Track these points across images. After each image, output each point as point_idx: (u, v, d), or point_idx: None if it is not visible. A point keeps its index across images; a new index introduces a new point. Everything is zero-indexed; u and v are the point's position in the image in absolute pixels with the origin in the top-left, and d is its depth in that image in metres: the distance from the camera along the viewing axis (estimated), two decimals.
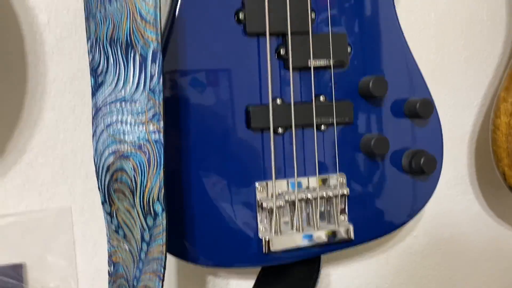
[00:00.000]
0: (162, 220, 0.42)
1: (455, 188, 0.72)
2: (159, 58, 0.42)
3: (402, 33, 0.56)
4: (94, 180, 0.48)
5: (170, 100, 0.47)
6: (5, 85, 0.54)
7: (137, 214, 0.44)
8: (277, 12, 0.49)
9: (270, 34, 0.48)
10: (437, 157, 0.55)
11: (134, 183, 0.43)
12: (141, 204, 0.43)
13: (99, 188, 0.47)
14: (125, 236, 0.46)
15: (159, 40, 0.41)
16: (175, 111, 0.47)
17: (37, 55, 0.55)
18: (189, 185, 0.47)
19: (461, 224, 0.73)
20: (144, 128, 0.43)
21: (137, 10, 0.42)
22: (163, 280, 0.43)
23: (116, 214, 0.46)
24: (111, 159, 0.45)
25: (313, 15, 0.51)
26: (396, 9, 0.56)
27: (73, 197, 0.55)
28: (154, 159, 0.42)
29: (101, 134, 0.46)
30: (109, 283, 0.49)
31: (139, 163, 0.43)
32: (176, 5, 0.47)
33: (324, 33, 0.51)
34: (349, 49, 0.53)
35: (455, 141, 0.71)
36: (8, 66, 0.54)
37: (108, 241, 0.48)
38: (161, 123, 0.42)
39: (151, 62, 0.42)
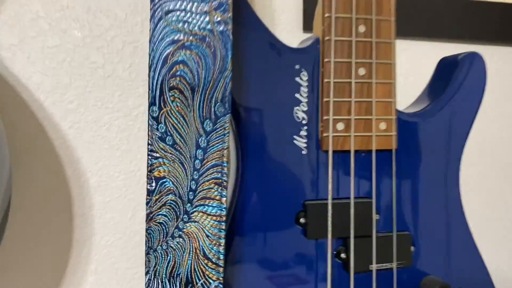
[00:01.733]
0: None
1: None
2: None
3: (469, 230, 0.57)
4: None
5: None
6: (51, 247, 0.61)
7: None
8: (340, 218, 0.50)
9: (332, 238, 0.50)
10: None
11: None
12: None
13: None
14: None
15: (221, 279, 0.41)
16: None
17: (84, 217, 0.61)
18: None
19: None
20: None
21: (201, 249, 0.41)
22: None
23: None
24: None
25: (377, 217, 0.53)
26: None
27: None
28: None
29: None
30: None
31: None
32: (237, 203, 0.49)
33: (387, 233, 0.53)
34: (412, 249, 0.54)
35: None
36: (56, 227, 0.61)
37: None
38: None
39: None
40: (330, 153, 0.51)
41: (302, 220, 0.51)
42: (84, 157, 0.63)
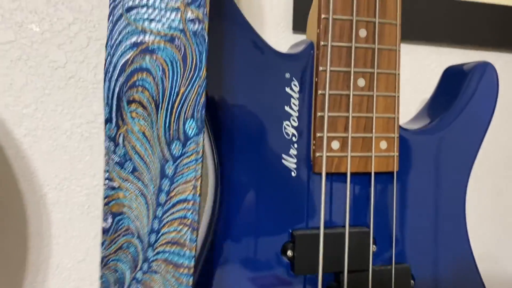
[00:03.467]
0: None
1: None
2: None
3: (475, 262, 0.52)
4: None
5: None
6: (2, 270, 0.54)
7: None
8: (333, 250, 0.45)
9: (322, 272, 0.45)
10: None
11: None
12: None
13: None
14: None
15: None
16: None
17: (41, 237, 0.56)
18: None
19: None
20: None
21: None
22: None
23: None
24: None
25: (374, 248, 0.47)
26: None
27: None
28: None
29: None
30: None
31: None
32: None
33: (384, 266, 0.48)
34: (412, 283, 0.49)
35: None
36: (8, 248, 0.54)
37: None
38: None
39: None
40: (323, 175, 0.45)
41: (289, 253, 0.45)
42: (41, 169, 0.56)
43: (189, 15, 0.34)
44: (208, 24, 0.37)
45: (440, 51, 0.71)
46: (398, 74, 0.48)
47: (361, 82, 0.47)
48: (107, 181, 0.35)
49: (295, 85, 0.46)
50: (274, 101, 0.45)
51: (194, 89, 0.34)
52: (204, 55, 0.35)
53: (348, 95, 0.46)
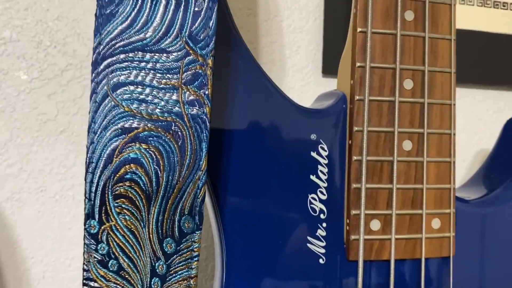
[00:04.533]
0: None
1: None
2: None
3: None
4: None
5: None
6: None
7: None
8: None
9: None
10: None
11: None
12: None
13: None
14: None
15: None
16: None
17: None
18: None
19: None
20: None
21: None
22: None
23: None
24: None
25: None
26: None
27: None
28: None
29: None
30: None
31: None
32: None
33: None
34: None
35: None
36: None
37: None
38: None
39: None
40: (360, 264, 0.36)
41: None
42: (25, 238, 0.48)
43: (188, 95, 0.28)
44: (217, 81, 0.31)
45: (499, 95, 0.61)
46: (454, 134, 0.39)
47: (407, 145, 0.38)
48: (86, 281, 0.31)
49: (323, 148, 0.37)
50: (296, 169, 0.37)
51: (193, 182, 0.30)
52: (204, 143, 0.30)
53: (391, 162, 0.37)
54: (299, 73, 0.55)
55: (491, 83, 0.60)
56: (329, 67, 0.55)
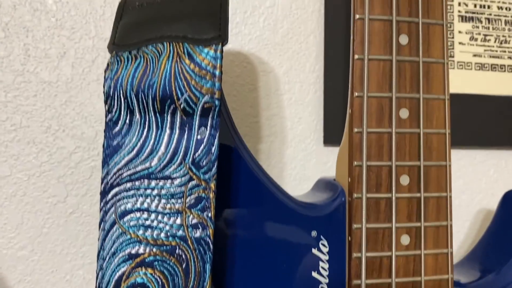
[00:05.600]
0: None
1: None
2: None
3: None
4: None
5: None
6: None
7: None
8: None
9: None
10: None
11: None
12: None
13: None
14: None
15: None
16: None
17: None
18: None
19: None
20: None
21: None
22: None
23: None
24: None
25: None
26: None
27: None
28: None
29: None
30: None
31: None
32: None
33: None
34: None
35: None
36: None
37: None
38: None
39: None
40: None
41: None
42: None
43: (192, 219, 0.30)
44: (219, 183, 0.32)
45: (499, 155, 0.62)
46: (451, 225, 0.40)
47: (405, 240, 0.39)
48: None
49: (323, 245, 0.39)
50: (299, 268, 0.38)
51: None
52: (208, 264, 0.31)
53: (390, 257, 0.38)
54: (301, 143, 0.57)
55: (491, 144, 0.61)
56: (330, 137, 0.56)
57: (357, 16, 0.38)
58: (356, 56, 0.38)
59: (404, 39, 0.39)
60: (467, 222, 0.61)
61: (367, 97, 0.38)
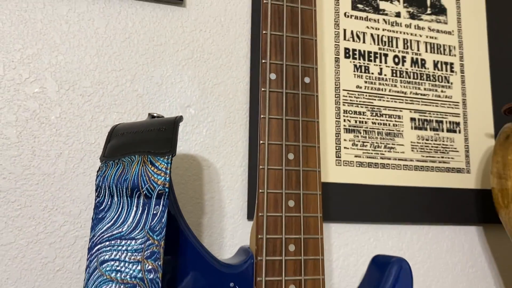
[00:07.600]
0: None
1: None
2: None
3: None
4: None
5: None
6: None
7: None
8: None
9: None
10: None
11: None
12: None
13: None
14: None
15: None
16: None
17: None
18: None
19: None
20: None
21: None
22: None
23: None
24: None
25: None
26: None
27: None
28: None
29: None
30: None
31: None
32: None
33: None
34: None
35: None
36: None
37: None
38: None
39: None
40: None
41: None
42: None
43: (147, 266, 0.48)
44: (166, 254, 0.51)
45: (377, 228, 0.85)
46: (323, 279, 0.61)
47: None
48: None
49: None
50: None
51: None
52: None
53: None
54: (231, 218, 0.78)
55: (371, 220, 0.84)
56: (252, 214, 0.77)
57: (261, 142, 0.60)
58: (260, 166, 0.60)
59: (291, 156, 0.61)
60: (354, 278, 0.82)
61: (267, 192, 0.60)
